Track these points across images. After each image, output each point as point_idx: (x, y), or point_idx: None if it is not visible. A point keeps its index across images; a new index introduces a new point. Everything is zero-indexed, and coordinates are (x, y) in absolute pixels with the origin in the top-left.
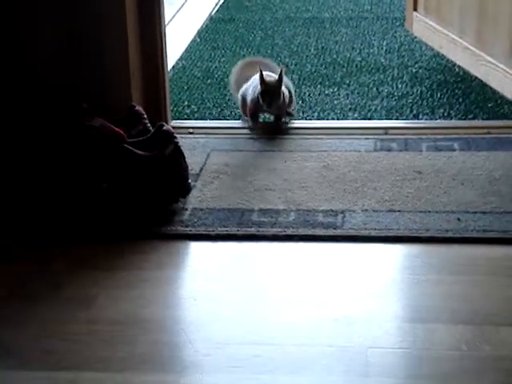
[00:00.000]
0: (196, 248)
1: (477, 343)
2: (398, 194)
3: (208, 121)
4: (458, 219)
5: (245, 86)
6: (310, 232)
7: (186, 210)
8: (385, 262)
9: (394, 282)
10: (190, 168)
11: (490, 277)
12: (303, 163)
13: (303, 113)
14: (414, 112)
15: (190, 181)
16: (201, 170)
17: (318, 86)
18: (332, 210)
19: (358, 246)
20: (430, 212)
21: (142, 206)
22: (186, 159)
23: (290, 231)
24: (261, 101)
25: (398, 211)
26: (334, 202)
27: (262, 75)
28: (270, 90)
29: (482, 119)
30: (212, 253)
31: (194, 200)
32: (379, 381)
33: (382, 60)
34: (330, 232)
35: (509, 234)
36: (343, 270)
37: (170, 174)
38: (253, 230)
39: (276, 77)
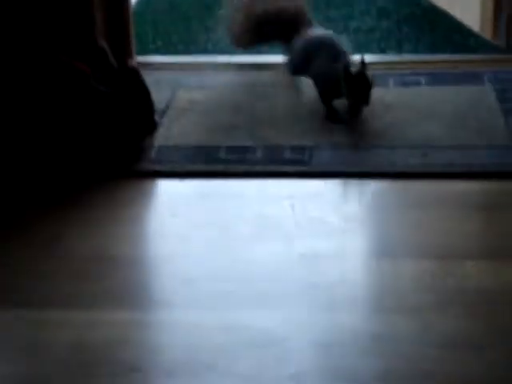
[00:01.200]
0: (163, 186)
1: (441, 276)
2: (365, 129)
3: (174, 56)
4: (425, 154)
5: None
6: (277, 169)
7: (153, 147)
8: (352, 198)
9: (360, 218)
10: (155, 105)
11: (456, 211)
12: (272, 100)
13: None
14: (382, 46)
15: (156, 118)
16: (167, 106)
17: None
18: (300, 147)
19: (325, 183)
20: (396, 147)
21: (109, 144)
22: (152, 96)
23: (257, 168)
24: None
25: (365, 147)
26: (302, 138)
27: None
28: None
29: (450, 53)
30: (179, 190)
31: (160, 137)
32: (346, 315)
33: None
34: (298, 168)
35: (474, 168)
36: (311, 206)
37: (136, 111)
38: (220, 168)
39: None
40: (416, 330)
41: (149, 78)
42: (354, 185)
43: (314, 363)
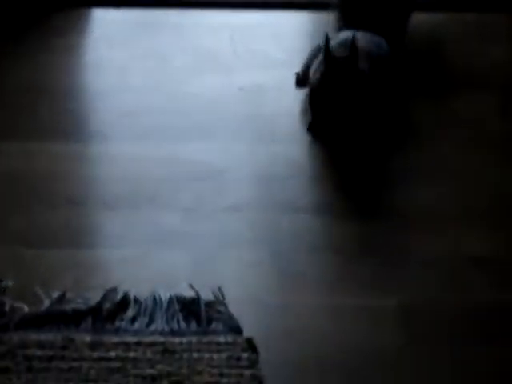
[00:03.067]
0: (99, 15)
1: None
2: None
3: None
4: None
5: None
6: None
7: None
8: (292, 30)
9: (302, 51)
10: None
11: None
12: None
13: None
14: None
15: None
16: None
17: None
18: None
19: (266, 14)
20: None
21: None
22: None
23: None
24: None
25: None
26: None
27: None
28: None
29: None
30: (116, 20)
31: None
32: (285, 147)
33: None
34: None
35: None
36: (251, 38)
37: None
38: None
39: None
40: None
41: None
42: (295, 16)
43: (252, 195)
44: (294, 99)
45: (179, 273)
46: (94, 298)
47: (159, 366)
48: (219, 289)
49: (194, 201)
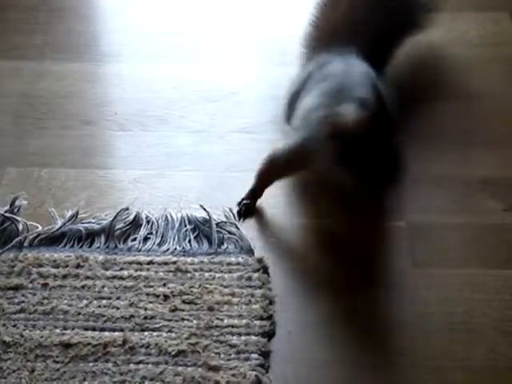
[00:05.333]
0: None
1: None
2: None
3: None
4: None
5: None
6: None
7: None
8: None
9: None
10: None
11: None
12: None
13: None
14: None
15: None
16: None
17: None
18: None
19: None
20: None
21: None
22: None
23: None
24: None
25: None
26: None
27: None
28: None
29: None
30: None
31: None
32: (297, 68)
33: None
34: None
35: None
36: None
37: None
38: None
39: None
40: None
41: None
42: None
43: (263, 116)
44: (305, 21)
45: (190, 194)
46: (107, 218)
47: (171, 285)
48: (230, 210)
49: (206, 122)
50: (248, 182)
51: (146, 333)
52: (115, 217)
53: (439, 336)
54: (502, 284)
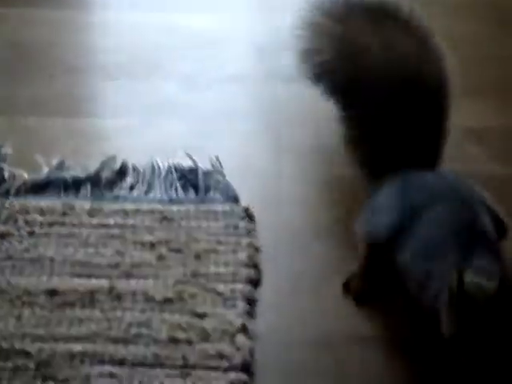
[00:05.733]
0: None
1: None
2: None
3: None
4: None
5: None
6: None
7: None
8: None
9: None
10: None
11: None
12: None
13: None
14: None
15: None
16: None
17: None
18: None
19: None
20: None
21: None
22: None
23: None
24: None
25: None
26: None
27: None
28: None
29: None
30: None
31: None
32: (285, 17)
33: None
34: None
35: None
36: None
37: None
38: None
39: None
40: None
41: None
42: None
43: (250, 65)
44: None
45: (177, 142)
46: (93, 166)
47: (157, 233)
48: (217, 158)
49: (193, 70)
50: (234, 131)
51: (132, 280)
52: (101, 165)
53: None
54: None
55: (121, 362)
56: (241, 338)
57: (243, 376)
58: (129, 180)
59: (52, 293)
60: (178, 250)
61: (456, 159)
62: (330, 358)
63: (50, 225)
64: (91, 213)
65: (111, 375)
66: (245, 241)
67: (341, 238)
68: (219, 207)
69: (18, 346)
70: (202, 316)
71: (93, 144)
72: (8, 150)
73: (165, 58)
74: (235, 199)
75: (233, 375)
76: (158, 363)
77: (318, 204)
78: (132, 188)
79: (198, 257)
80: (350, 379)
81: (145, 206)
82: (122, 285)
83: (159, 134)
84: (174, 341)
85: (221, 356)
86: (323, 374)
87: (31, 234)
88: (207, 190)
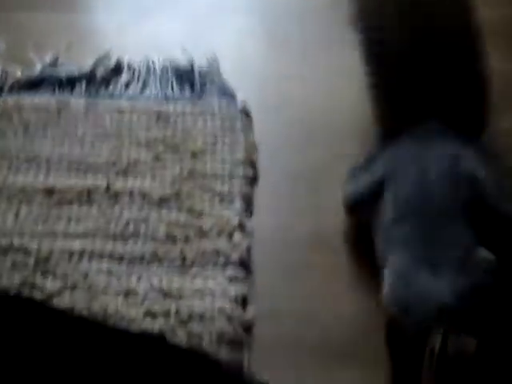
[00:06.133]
0: None
1: None
2: None
3: None
4: None
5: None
6: None
7: None
8: None
9: None
10: None
11: None
12: None
13: None
14: None
15: None
16: None
17: None
18: None
19: None
20: None
21: None
22: None
23: None
24: None
25: None
26: None
27: None
28: None
29: None
30: None
31: None
32: None
33: None
34: None
35: None
36: None
37: None
38: None
39: None
40: None
41: None
42: None
43: None
44: None
45: (173, 39)
46: (87, 62)
47: (154, 131)
48: (213, 55)
49: None
50: (230, 29)
51: (129, 179)
52: (96, 62)
53: None
54: None
55: (119, 259)
56: (238, 236)
57: (241, 272)
58: (124, 77)
59: (49, 191)
60: (175, 149)
61: None
62: (328, 255)
63: (45, 123)
64: (86, 110)
65: (109, 271)
66: (241, 138)
67: (338, 137)
68: (215, 104)
69: (16, 242)
70: (199, 214)
71: (87, 41)
72: (1, 46)
73: None
74: (232, 96)
75: (230, 271)
76: (156, 260)
77: (316, 105)
78: (127, 85)
79: (194, 155)
80: (348, 275)
81: (140, 104)
82: (119, 183)
83: (155, 30)
84: (171, 238)
85: (218, 253)
86: (322, 271)
87: (26, 131)
88: (203, 87)
